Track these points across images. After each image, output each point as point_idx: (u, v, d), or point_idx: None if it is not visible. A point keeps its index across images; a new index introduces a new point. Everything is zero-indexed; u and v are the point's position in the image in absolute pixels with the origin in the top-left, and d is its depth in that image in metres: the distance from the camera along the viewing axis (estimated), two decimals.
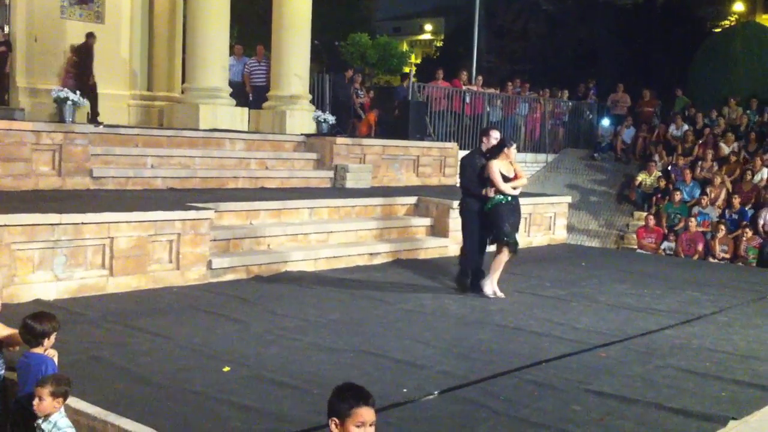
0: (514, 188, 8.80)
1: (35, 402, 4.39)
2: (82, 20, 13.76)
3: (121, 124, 12.79)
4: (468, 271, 9.08)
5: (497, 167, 8.67)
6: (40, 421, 4.41)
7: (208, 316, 7.32)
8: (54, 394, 4.39)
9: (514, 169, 8.87)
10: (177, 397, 5.19)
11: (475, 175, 8.89)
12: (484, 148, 9.04)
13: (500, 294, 8.75)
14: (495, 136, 9.00)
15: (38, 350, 4.83)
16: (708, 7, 31.16)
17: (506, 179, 8.72)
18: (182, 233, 8.53)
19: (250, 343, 6.52)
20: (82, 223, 7.79)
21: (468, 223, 9.08)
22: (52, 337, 4.87)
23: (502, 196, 8.69)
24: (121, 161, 10.91)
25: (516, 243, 8.83)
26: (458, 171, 9.26)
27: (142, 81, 14.94)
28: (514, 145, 9.01)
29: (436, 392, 5.52)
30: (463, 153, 15.71)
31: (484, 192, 8.73)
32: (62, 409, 4.48)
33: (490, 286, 8.75)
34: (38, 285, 7.52)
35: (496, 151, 8.81)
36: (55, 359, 4.90)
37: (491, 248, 9.05)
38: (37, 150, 9.85)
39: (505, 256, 8.73)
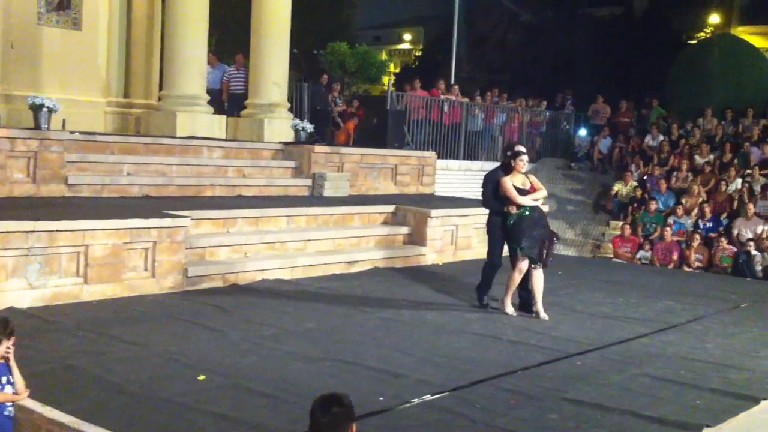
0: (535, 200, 8.56)
1: None
2: (59, 27, 13.64)
3: (98, 131, 12.67)
4: (488, 287, 8.90)
5: (510, 182, 8.47)
6: None
7: (184, 324, 7.27)
8: None
9: (529, 181, 8.65)
10: (152, 405, 5.15)
11: (493, 191, 8.67)
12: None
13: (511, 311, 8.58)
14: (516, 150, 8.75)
15: None
16: (684, 19, 31.47)
17: (522, 192, 8.49)
18: (158, 241, 8.47)
19: (226, 351, 6.48)
20: (57, 231, 7.70)
21: (492, 239, 8.92)
22: None
23: (522, 210, 8.45)
24: (97, 168, 10.80)
25: (532, 257, 8.43)
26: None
27: (119, 88, 14.81)
28: (524, 158, 8.61)
29: (413, 400, 5.51)
30: (441, 162, 15.82)
31: (506, 209, 8.51)
32: None
33: (508, 303, 8.60)
34: (11, 293, 7.43)
35: (506, 166, 8.64)
36: (11, 367, 4.57)
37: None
38: (12, 157, 9.72)
39: (519, 273, 8.44)
